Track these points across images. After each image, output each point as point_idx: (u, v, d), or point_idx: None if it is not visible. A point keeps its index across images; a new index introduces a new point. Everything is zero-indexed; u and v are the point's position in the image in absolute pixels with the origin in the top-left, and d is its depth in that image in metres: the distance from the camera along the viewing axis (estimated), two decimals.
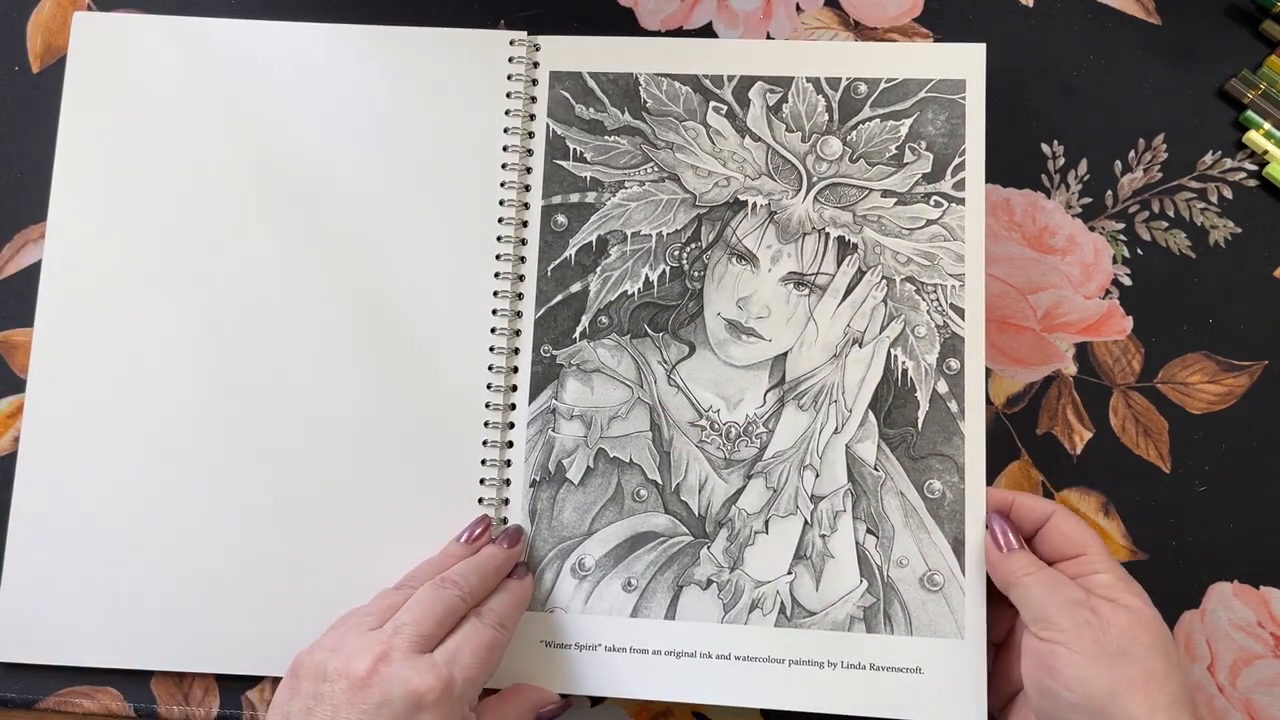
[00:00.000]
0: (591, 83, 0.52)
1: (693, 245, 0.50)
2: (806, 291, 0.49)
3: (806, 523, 0.48)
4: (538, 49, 0.52)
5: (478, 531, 0.48)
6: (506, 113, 0.52)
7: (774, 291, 0.49)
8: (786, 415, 0.49)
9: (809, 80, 0.51)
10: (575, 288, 0.50)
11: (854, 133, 0.50)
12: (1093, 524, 0.49)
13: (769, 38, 0.53)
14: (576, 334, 0.50)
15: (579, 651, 0.48)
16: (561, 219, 0.51)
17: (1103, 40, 0.53)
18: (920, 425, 0.48)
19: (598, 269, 0.50)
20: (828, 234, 0.50)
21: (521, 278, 0.51)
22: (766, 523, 0.48)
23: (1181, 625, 0.48)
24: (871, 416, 0.48)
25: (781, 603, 0.47)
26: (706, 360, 0.50)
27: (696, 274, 0.50)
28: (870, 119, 0.50)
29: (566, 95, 0.52)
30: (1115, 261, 0.51)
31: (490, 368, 0.50)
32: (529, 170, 0.52)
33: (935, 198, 0.49)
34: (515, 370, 0.50)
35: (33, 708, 0.50)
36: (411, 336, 0.50)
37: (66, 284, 0.51)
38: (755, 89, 0.51)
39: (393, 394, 0.50)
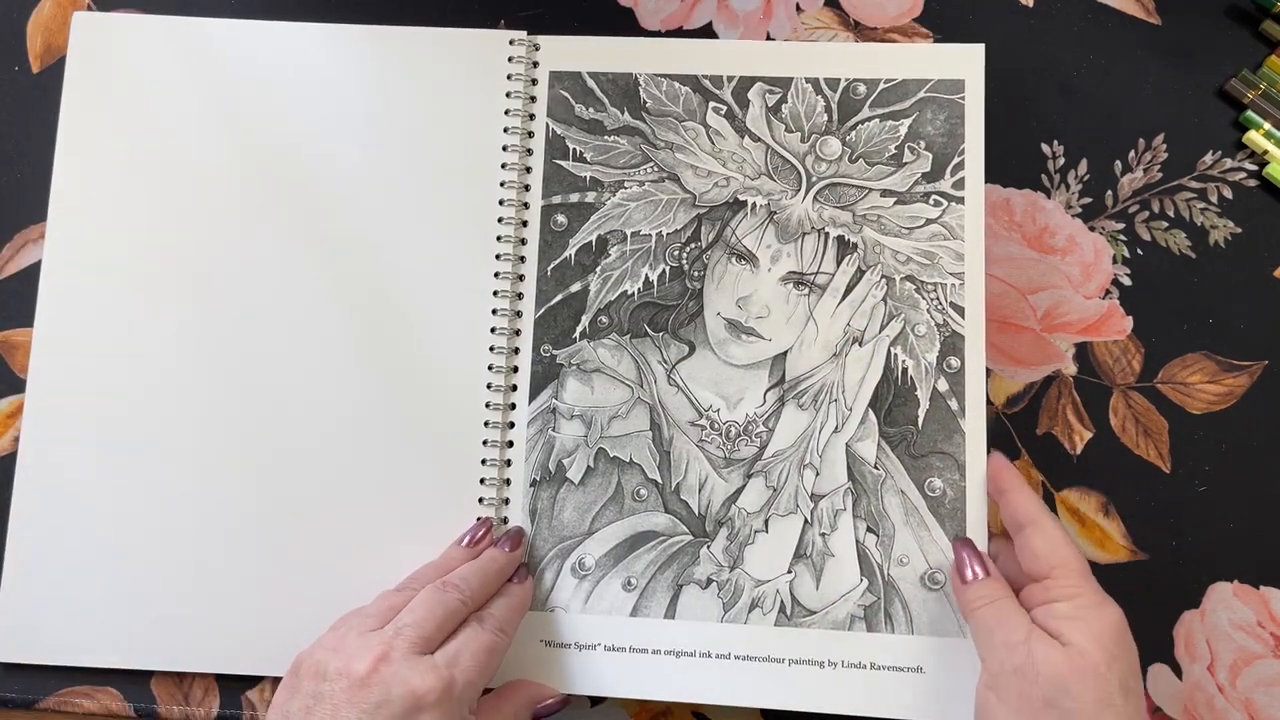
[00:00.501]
0: (591, 83, 0.52)
1: (692, 245, 0.50)
2: (806, 291, 0.49)
3: (806, 521, 0.48)
4: (537, 49, 0.52)
5: (479, 534, 0.48)
6: (506, 112, 0.52)
7: (774, 291, 0.49)
8: (786, 414, 0.49)
9: (808, 81, 0.51)
10: (575, 287, 0.50)
11: (853, 133, 0.50)
12: (1092, 524, 0.49)
13: (769, 38, 0.53)
14: (576, 334, 0.50)
15: (578, 651, 0.48)
16: (561, 219, 0.51)
17: (1103, 40, 0.53)
18: (921, 423, 0.48)
19: (598, 269, 0.50)
20: (827, 233, 0.50)
21: (521, 277, 0.51)
22: (766, 522, 0.48)
23: (1181, 625, 0.48)
24: (872, 415, 0.48)
25: (781, 602, 0.47)
26: (706, 360, 0.50)
27: (696, 274, 0.50)
28: (869, 119, 0.50)
29: (566, 95, 0.52)
30: (1115, 261, 0.51)
31: (490, 367, 0.50)
32: (528, 170, 0.52)
33: (935, 197, 0.49)
34: (515, 370, 0.50)
35: (33, 708, 0.50)
36: (411, 336, 0.50)
37: (66, 284, 0.51)
38: (754, 89, 0.51)
39: (393, 394, 0.50)
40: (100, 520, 0.49)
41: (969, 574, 0.44)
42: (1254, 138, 0.51)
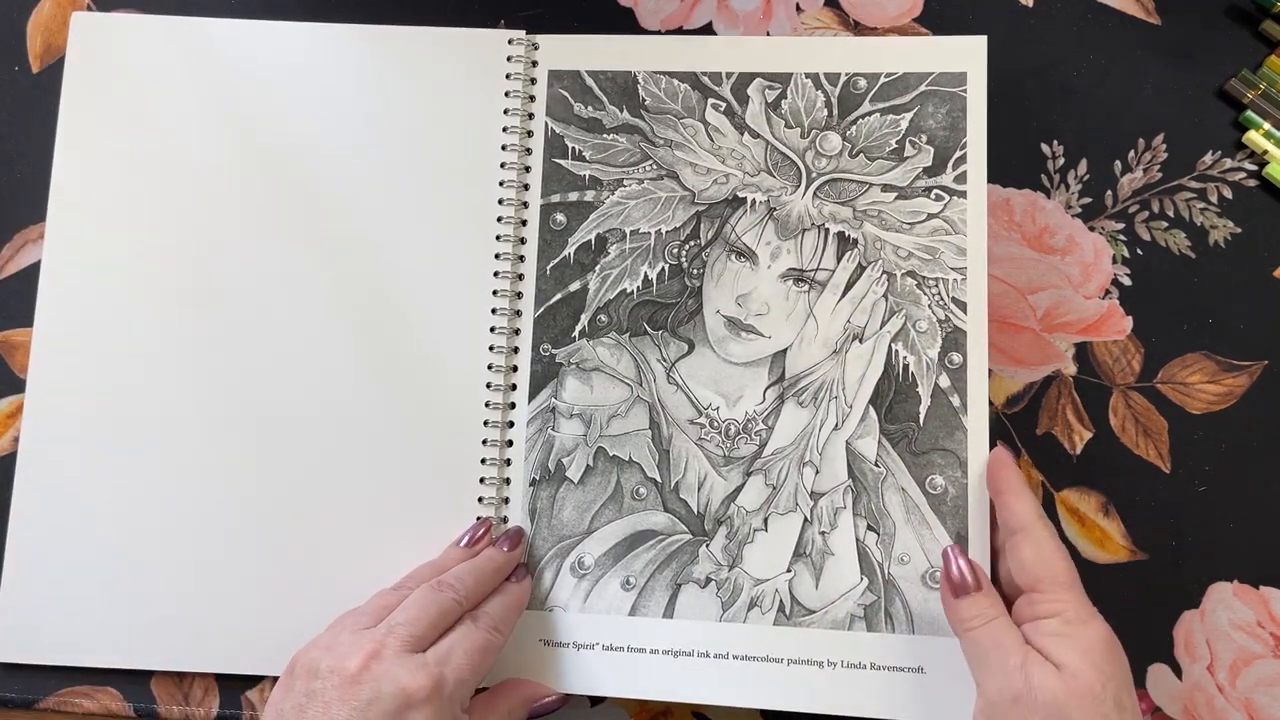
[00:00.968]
0: (590, 81, 0.52)
1: (692, 243, 0.50)
2: (806, 288, 0.49)
3: (806, 520, 0.48)
4: (536, 48, 0.52)
5: (478, 534, 0.48)
6: (505, 112, 0.52)
7: (773, 288, 0.49)
8: (786, 412, 0.49)
9: (808, 76, 0.51)
10: (574, 286, 0.50)
11: (854, 128, 0.50)
12: (1092, 524, 0.49)
13: (768, 36, 0.53)
14: (576, 333, 0.50)
15: (577, 650, 0.48)
16: (560, 218, 0.51)
17: (1103, 40, 0.53)
18: (922, 420, 0.48)
19: (597, 267, 0.50)
20: (827, 229, 0.49)
21: (521, 277, 0.51)
22: (766, 520, 0.48)
23: (1181, 625, 0.48)
24: (872, 412, 0.48)
25: (781, 601, 0.47)
26: (706, 358, 0.49)
27: (695, 271, 0.50)
28: (870, 114, 0.50)
29: (565, 94, 0.52)
30: (1115, 261, 0.51)
31: (490, 367, 0.50)
32: (528, 170, 0.52)
33: (936, 191, 0.49)
34: (515, 369, 0.50)
35: (33, 708, 0.50)
36: (411, 336, 0.50)
37: (66, 284, 0.51)
38: (754, 85, 0.51)
39: (393, 394, 0.50)
40: (100, 520, 0.50)
41: (961, 582, 0.43)
42: (1254, 138, 0.51)
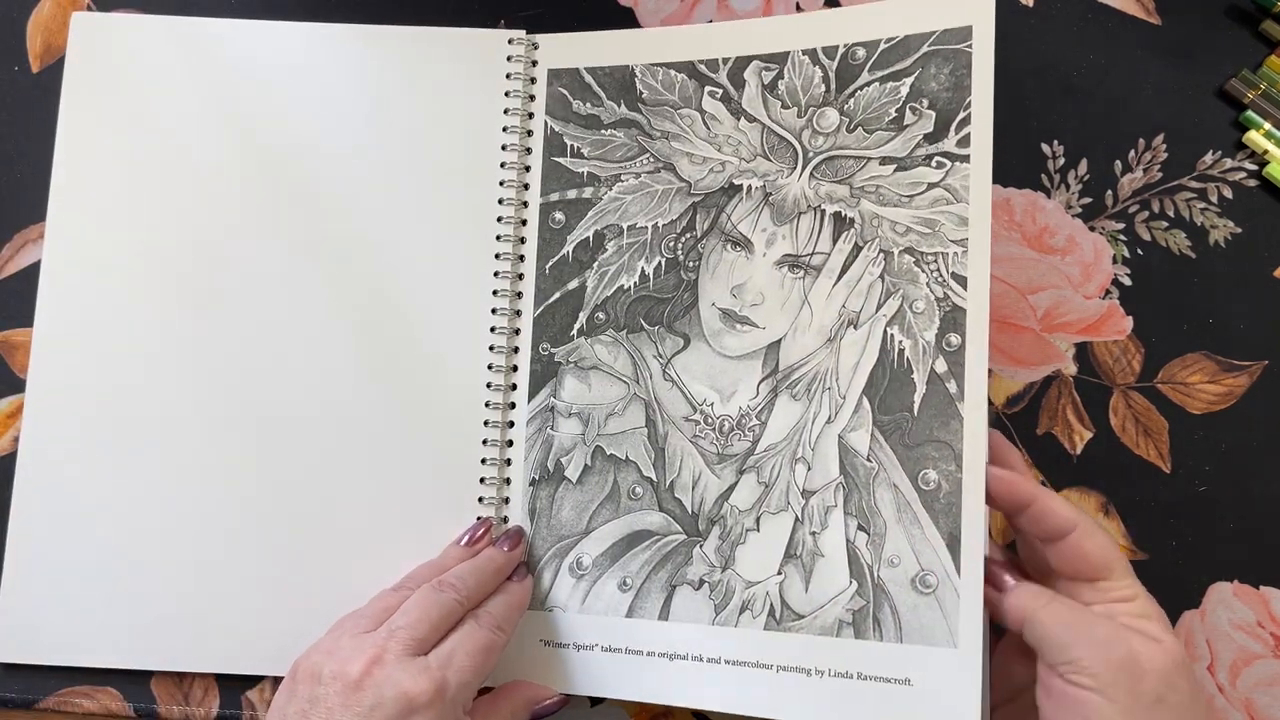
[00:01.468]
0: (588, 78, 0.52)
1: (687, 235, 0.49)
2: (801, 274, 0.48)
3: (797, 519, 0.46)
4: (536, 47, 0.52)
5: (479, 534, 0.48)
6: (505, 112, 0.52)
7: (768, 276, 0.48)
8: (779, 406, 0.47)
9: (805, 53, 0.49)
10: (573, 284, 0.50)
11: (852, 100, 0.48)
12: None
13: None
14: (574, 331, 0.50)
15: (576, 651, 0.48)
16: (559, 216, 0.51)
17: (1103, 40, 0.53)
18: (916, 409, 0.45)
19: (594, 264, 0.50)
20: (824, 211, 0.48)
21: (521, 276, 0.51)
22: (758, 520, 0.47)
23: (1181, 625, 0.48)
24: (865, 403, 0.46)
25: (771, 605, 0.46)
26: (701, 352, 0.49)
27: (691, 264, 0.49)
28: (869, 83, 0.48)
29: (564, 92, 0.52)
30: (1115, 261, 0.51)
31: (490, 367, 0.50)
32: (528, 169, 0.52)
33: (938, 158, 0.47)
34: (515, 369, 0.50)
35: (33, 708, 0.50)
36: (411, 336, 0.50)
37: (66, 284, 0.51)
38: (750, 69, 0.50)
39: (393, 394, 0.50)
40: (100, 520, 0.50)
41: (1003, 585, 0.42)
42: (1254, 138, 0.51)
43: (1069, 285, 0.51)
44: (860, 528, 0.46)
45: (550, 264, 0.51)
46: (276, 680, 0.49)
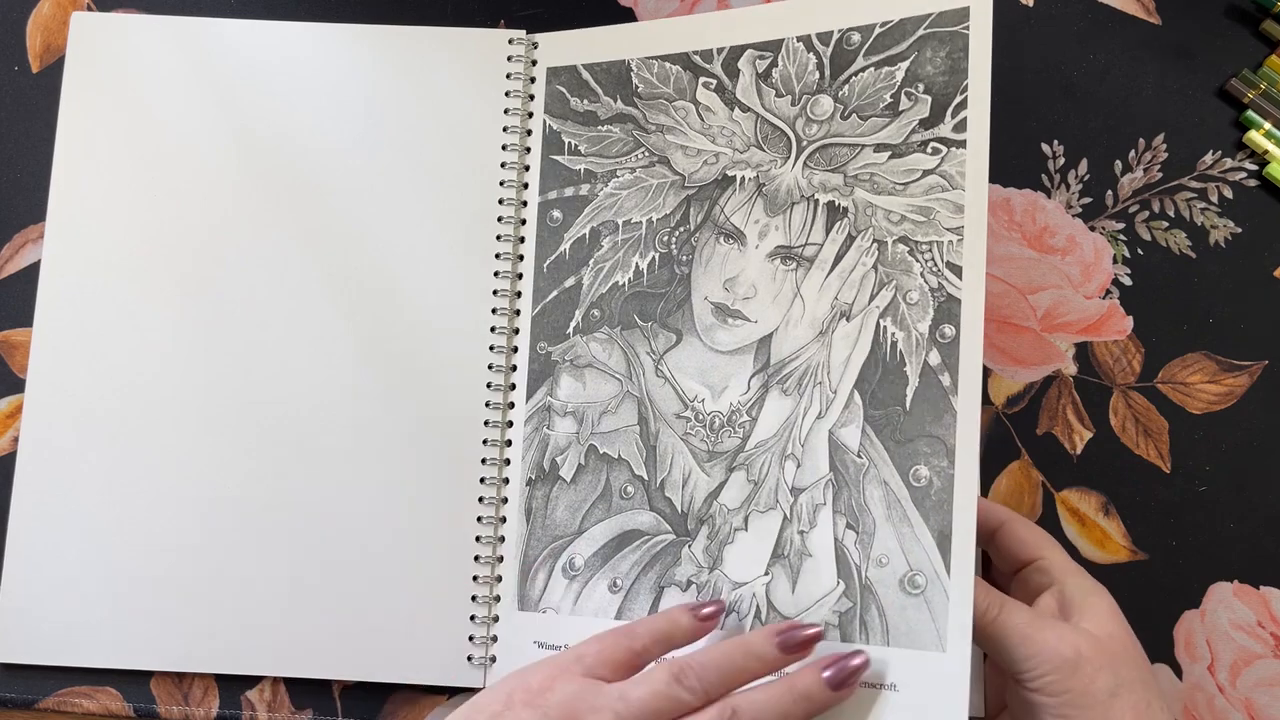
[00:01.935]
0: (586, 75, 0.51)
1: (681, 229, 0.49)
2: (794, 265, 0.47)
3: (785, 518, 0.45)
4: (535, 47, 0.52)
5: (710, 610, 0.43)
6: (505, 112, 0.52)
7: (761, 269, 0.47)
8: (770, 401, 0.47)
9: (799, 40, 0.48)
10: (569, 282, 0.50)
11: (846, 87, 0.48)
12: (1092, 524, 0.49)
13: None
14: (570, 329, 0.50)
15: None
16: (557, 214, 0.51)
17: (1103, 40, 0.53)
18: (908, 403, 0.44)
19: (590, 261, 0.50)
20: (817, 201, 0.47)
21: (520, 276, 0.51)
22: (746, 519, 0.46)
23: (1181, 625, 0.48)
24: (857, 397, 0.45)
25: (757, 606, 0.45)
26: (693, 348, 0.48)
27: (684, 258, 0.49)
28: (863, 69, 0.47)
29: (562, 89, 0.52)
30: (1115, 261, 0.51)
31: (490, 367, 0.50)
32: (527, 169, 0.52)
33: (933, 144, 0.46)
34: (514, 369, 0.50)
35: (33, 708, 0.50)
36: (412, 336, 0.50)
37: (66, 284, 0.51)
38: (745, 58, 0.49)
39: (393, 395, 0.50)
40: (100, 520, 0.50)
41: None
42: (1254, 137, 0.51)
43: (1069, 285, 0.51)
44: (849, 526, 0.45)
45: (548, 262, 0.51)
46: (277, 680, 0.49)
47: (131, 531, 0.49)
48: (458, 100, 0.52)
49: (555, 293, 0.50)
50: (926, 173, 0.46)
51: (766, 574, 0.45)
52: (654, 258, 0.49)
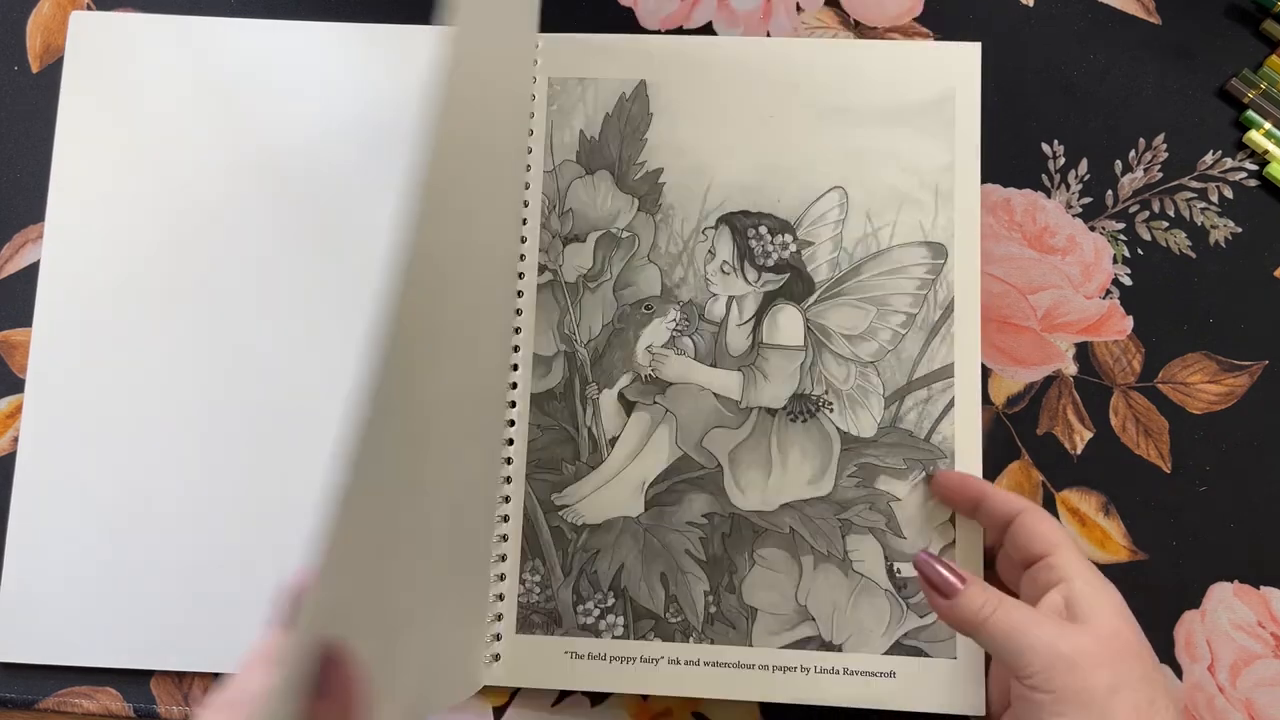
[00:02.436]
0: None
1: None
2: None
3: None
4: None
5: None
6: None
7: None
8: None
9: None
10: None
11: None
12: (1092, 524, 0.49)
13: (768, 37, 0.53)
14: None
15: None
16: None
17: (1103, 40, 0.53)
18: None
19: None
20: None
21: (521, 275, 0.51)
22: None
23: (1181, 625, 0.48)
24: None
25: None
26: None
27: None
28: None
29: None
30: (1115, 261, 0.51)
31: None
32: (527, 169, 0.52)
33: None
34: (515, 368, 0.50)
35: (33, 708, 0.50)
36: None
37: (66, 284, 0.51)
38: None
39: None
40: (100, 520, 0.49)
41: (948, 583, 0.41)
42: (1254, 137, 0.51)
43: (1069, 285, 0.51)
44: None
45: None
46: None
47: (131, 531, 0.49)
48: None
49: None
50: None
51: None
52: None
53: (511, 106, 0.44)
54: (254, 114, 0.52)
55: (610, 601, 0.47)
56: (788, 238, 0.50)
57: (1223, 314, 0.50)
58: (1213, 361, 0.50)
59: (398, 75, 0.52)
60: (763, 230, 0.50)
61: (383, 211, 0.51)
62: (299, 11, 0.54)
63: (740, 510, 0.48)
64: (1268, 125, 0.51)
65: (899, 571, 0.47)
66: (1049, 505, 0.49)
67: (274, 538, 0.49)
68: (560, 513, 0.49)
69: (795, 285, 0.49)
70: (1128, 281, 0.51)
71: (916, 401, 0.48)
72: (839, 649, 0.46)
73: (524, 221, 0.51)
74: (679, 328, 0.49)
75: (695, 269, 0.50)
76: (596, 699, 0.49)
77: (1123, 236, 0.51)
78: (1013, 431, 0.50)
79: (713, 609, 0.47)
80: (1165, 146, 0.52)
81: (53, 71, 0.54)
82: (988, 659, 0.46)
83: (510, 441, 0.49)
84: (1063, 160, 0.52)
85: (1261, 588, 0.48)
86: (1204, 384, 0.50)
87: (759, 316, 0.49)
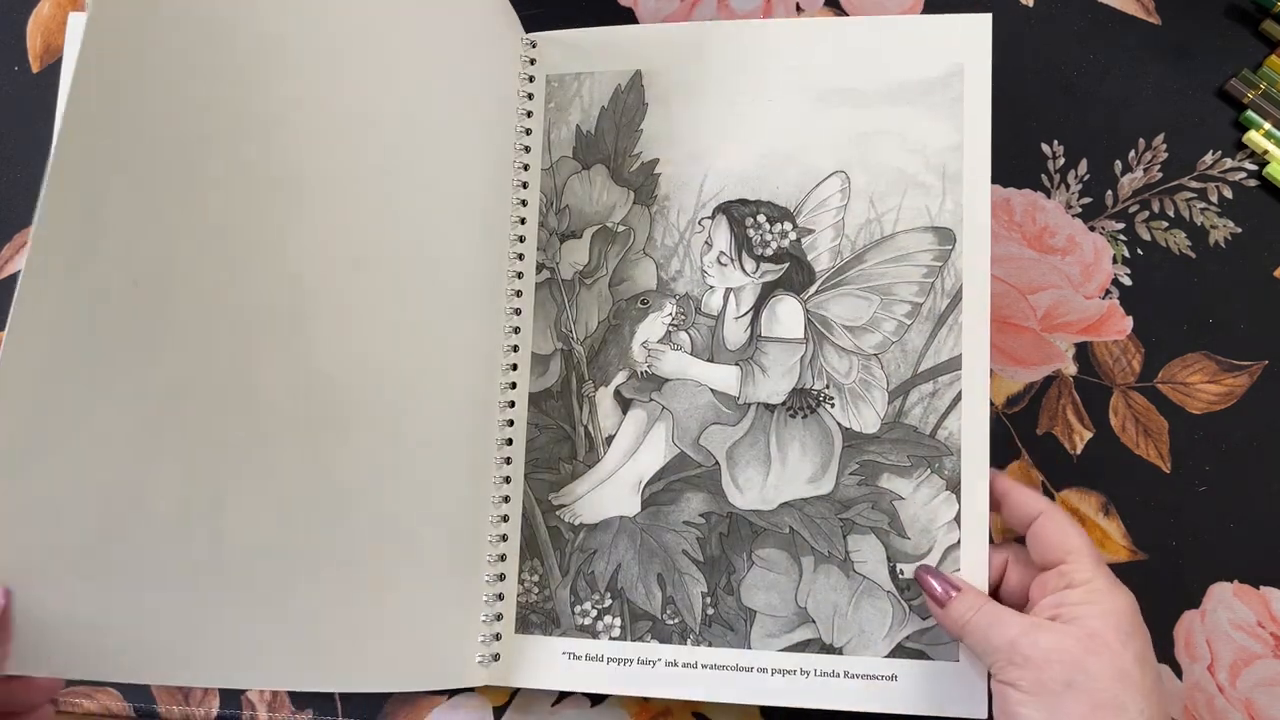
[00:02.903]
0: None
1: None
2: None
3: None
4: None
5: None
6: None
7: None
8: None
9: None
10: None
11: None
12: (1092, 524, 0.49)
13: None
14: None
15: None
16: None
17: (1103, 40, 0.53)
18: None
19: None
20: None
21: (520, 275, 0.51)
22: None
23: (1181, 625, 0.48)
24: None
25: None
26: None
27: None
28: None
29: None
30: (1115, 261, 0.51)
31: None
32: (526, 168, 0.52)
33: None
34: (515, 368, 0.50)
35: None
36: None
37: None
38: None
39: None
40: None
41: (944, 593, 0.43)
42: (1254, 138, 0.51)
43: (1069, 285, 0.51)
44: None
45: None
46: None
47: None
48: None
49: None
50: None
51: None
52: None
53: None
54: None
55: (607, 602, 0.47)
56: (787, 225, 0.49)
57: (1222, 314, 0.50)
58: (1212, 361, 0.50)
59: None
60: (761, 218, 0.49)
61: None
62: None
63: (738, 510, 0.47)
64: (1267, 125, 0.51)
65: (902, 573, 0.46)
66: None
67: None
68: (558, 512, 0.48)
69: (795, 275, 0.48)
70: (1127, 281, 0.51)
71: (922, 396, 0.47)
72: (839, 652, 0.46)
73: (523, 221, 0.51)
74: (675, 322, 0.49)
75: (692, 261, 0.49)
76: (596, 699, 0.49)
77: (1122, 236, 0.51)
78: (1013, 431, 0.50)
79: (710, 610, 0.47)
80: (1165, 146, 0.52)
81: (53, 71, 0.54)
82: None
83: (509, 441, 0.49)
84: (1062, 160, 0.52)
85: (1261, 588, 0.48)
86: (1204, 384, 0.50)
87: (757, 308, 0.48)
